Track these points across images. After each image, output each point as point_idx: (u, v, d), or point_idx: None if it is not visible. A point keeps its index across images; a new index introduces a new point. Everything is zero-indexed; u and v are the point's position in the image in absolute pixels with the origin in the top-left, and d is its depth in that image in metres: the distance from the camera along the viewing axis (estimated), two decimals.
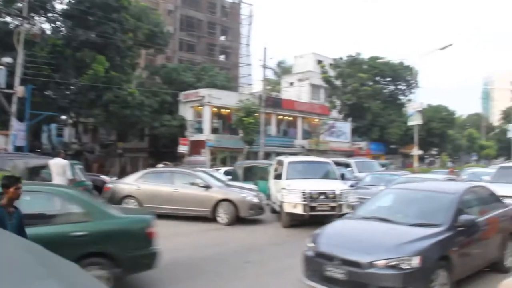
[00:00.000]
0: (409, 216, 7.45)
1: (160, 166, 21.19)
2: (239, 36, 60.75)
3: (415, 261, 5.89)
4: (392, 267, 5.90)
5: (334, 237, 7.05)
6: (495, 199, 8.90)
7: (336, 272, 6.19)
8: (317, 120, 46.58)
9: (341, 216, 13.93)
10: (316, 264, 6.60)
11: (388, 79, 53.07)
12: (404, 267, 5.85)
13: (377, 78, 51.66)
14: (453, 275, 6.50)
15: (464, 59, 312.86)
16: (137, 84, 38.34)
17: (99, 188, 16.05)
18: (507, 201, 11.83)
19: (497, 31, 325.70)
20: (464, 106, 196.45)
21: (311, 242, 6.95)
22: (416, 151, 38.19)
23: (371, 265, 5.94)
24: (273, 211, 15.74)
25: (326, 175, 15.60)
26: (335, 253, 6.32)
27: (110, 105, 31.08)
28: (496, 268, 8.02)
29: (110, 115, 31.88)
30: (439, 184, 9.58)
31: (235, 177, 21.44)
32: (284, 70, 66.39)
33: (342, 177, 17.24)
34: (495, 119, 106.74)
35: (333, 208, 13.11)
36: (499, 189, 12.65)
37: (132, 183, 15.13)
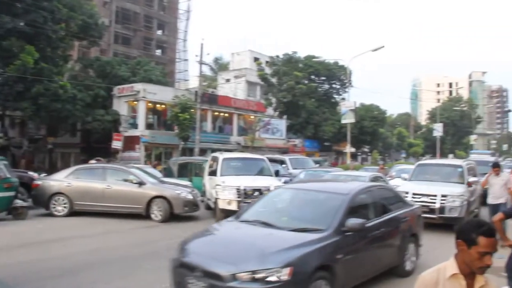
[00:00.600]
0: (294, 219, 6.76)
1: (92, 162, 20.70)
2: (176, 31, 60.07)
3: (285, 273, 5.13)
4: (258, 280, 5.11)
5: (203, 244, 6.31)
6: (397, 199, 8.56)
7: (198, 286, 5.40)
8: (253, 117, 46.90)
9: None
10: (179, 275, 5.78)
11: (323, 78, 54.27)
12: (271, 280, 5.09)
13: (312, 76, 52.70)
14: (337, 286, 5.84)
15: (395, 61, 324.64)
16: (69, 76, 37.08)
17: (26, 185, 15.43)
18: (424, 199, 12.46)
19: (425, 35, 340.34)
20: (394, 106, 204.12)
21: (178, 250, 6.16)
22: (349, 148, 39.33)
23: (233, 277, 5.17)
24: (208, 207, 15.79)
25: (261, 172, 15.83)
26: (198, 263, 5.53)
27: (40, 98, 29.76)
28: (396, 272, 7.71)
29: (40, 109, 30.53)
30: (334, 184, 8.90)
31: (169, 174, 21.28)
32: (220, 66, 66.43)
33: (277, 174, 17.53)
34: (423, 118, 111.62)
35: None
36: (416, 186, 13.25)
37: (62, 180, 14.69)
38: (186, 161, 22.70)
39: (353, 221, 6.20)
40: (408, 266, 7.93)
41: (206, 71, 55.74)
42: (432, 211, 12.31)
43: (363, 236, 6.56)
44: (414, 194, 12.70)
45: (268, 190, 13.05)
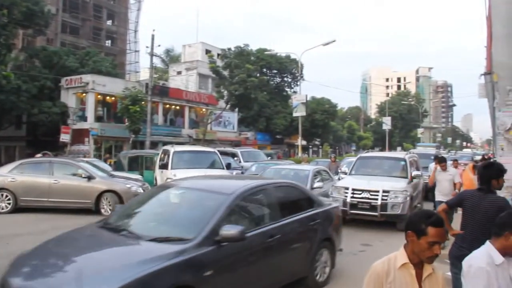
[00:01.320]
0: (162, 225, 5.64)
1: (38, 156, 20.10)
2: (127, 21, 58.74)
3: None
4: None
5: (34, 259, 4.79)
6: (304, 199, 7.23)
7: None
8: (204, 109, 46.71)
9: None
10: None
11: (275, 71, 54.56)
12: None
13: (264, 70, 52.90)
14: None
15: (346, 55, 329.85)
16: (13, 67, 35.79)
17: None
18: (364, 195, 11.93)
19: (375, 30, 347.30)
20: (345, 99, 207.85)
21: (10, 264, 4.80)
22: (300, 141, 39.83)
23: None
24: None
25: (212, 165, 15.88)
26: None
27: None
28: (306, 284, 6.68)
29: None
30: (223, 181, 7.54)
31: (119, 167, 20.95)
32: (172, 58, 65.52)
33: (228, 166, 17.58)
34: (372, 112, 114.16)
35: None
36: (356, 181, 12.68)
37: (6, 175, 14.20)
38: (137, 155, 22.37)
39: (228, 229, 4.94)
40: (320, 276, 6.89)
41: (157, 63, 54.94)
42: (373, 208, 11.78)
43: (246, 247, 5.28)
44: (354, 189, 12.14)
45: None
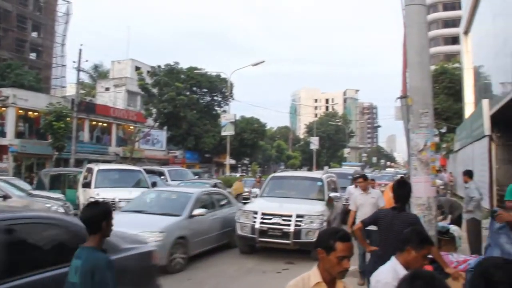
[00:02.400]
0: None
1: None
2: (53, 34, 56.83)
3: None
4: None
5: None
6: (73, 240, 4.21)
7: None
8: (132, 127, 45.93)
9: None
10: None
11: (205, 90, 54.52)
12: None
13: (194, 88, 52.75)
14: None
15: (276, 75, 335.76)
16: None
17: None
18: (275, 220, 10.47)
19: (305, 52, 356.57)
20: (274, 119, 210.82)
21: None
22: (228, 160, 39.90)
23: None
24: None
25: (138, 184, 15.60)
26: None
27: None
28: None
29: None
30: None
31: (40, 186, 20.10)
32: (100, 74, 64.13)
33: (154, 185, 17.30)
34: (301, 132, 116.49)
35: None
36: (267, 205, 11.40)
37: None
38: (59, 173, 21.43)
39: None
40: None
41: (85, 78, 53.66)
42: (285, 235, 10.38)
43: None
44: (264, 214, 10.72)
45: None
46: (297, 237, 10.29)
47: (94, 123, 42.74)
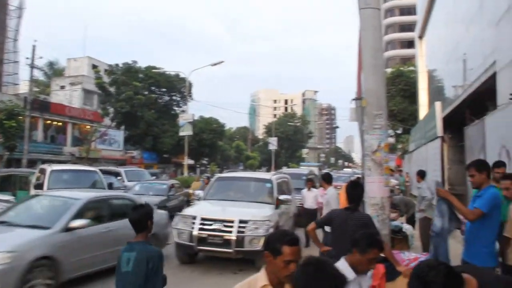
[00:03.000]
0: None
1: None
2: (5, 28, 54.99)
3: None
4: None
5: None
6: None
7: None
8: (88, 127, 44.99)
9: None
10: None
11: (164, 89, 53.98)
12: None
13: (153, 88, 52.17)
14: None
15: (235, 76, 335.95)
16: None
17: None
18: (216, 226, 9.44)
19: (265, 52, 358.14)
20: (234, 120, 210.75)
21: None
22: (186, 161, 39.67)
23: None
24: None
25: (93, 185, 15.15)
26: None
27: None
28: None
29: None
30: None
31: None
32: (56, 72, 62.46)
33: (110, 186, 16.98)
34: (260, 132, 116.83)
35: None
36: (207, 209, 10.51)
37: None
38: (9, 174, 20.43)
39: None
40: None
41: (39, 76, 52.20)
42: (226, 243, 9.32)
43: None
44: (203, 219, 9.63)
45: None
46: (239, 245, 9.26)
47: (48, 122, 41.63)
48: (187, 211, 10.42)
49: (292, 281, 2.17)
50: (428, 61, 30.15)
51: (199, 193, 12.50)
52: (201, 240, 9.43)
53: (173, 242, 10.01)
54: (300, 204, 13.56)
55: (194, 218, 9.65)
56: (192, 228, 9.53)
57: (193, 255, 10.14)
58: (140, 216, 4.15)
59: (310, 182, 13.31)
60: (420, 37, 32.13)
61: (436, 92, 26.25)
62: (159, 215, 10.41)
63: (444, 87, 23.97)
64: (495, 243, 5.00)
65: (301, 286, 2.19)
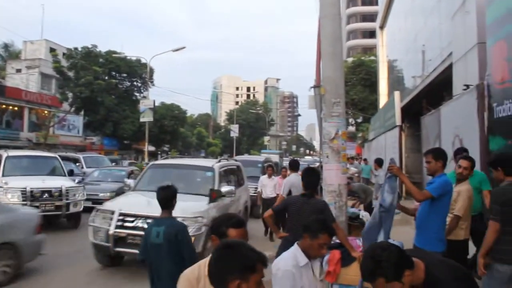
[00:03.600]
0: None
1: None
2: None
3: None
4: None
5: None
6: None
7: None
8: (46, 112, 43.90)
9: (67, 216, 13.13)
10: None
11: (124, 75, 53.04)
12: None
13: (113, 73, 51.19)
14: None
15: (197, 62, 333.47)
16: None
17: None
18: (140, 223, 7.73)
19: (227, 39, 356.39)
20: (196, 106, 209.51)
21: None
22: (147, 147, 39.27)
23: None
24: None
25: (53, 172, 14.52)
26: None
27: None
28: None
29: None
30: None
31: None
32: (11, 54, 60.51)
33: (71, 173, 16.45)
34: (222, 119, 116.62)
35: (58, 207, 12.57)
36: (130, 201, 8.91)
37: None
38: None
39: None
40: None
41: None
42: None
43: None
44: (122, 215, 8.04)
45: (59, 191, 12.56)
46: None
47: (3, 106, 40.34)
48: (106, 204, 8.83)
49: (209, 263, 2.13)
50: (388, 51, 30.62)
51: (130, 182, 10.42)
52: (119, 240, 7.95)
53: (90, 242, 8.41)
54: (255, 193, 13.58)
55: (113, 212, 8.12)
56: (109, 225, 8.00)
57: (118, 257, 8.74)
58: (167, 195, 4.81)
59: (270, 169, 13.21)
60: (381, 27, 32.57)
61: (396, 81, 26.73)
62: (23, 216, 8.54)
63: (403, 77, 24.42)
64: (444, 229, 5.16)
65: (213, 268, 2.09)
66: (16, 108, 41.63)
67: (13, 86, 42.80)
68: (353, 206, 10.34)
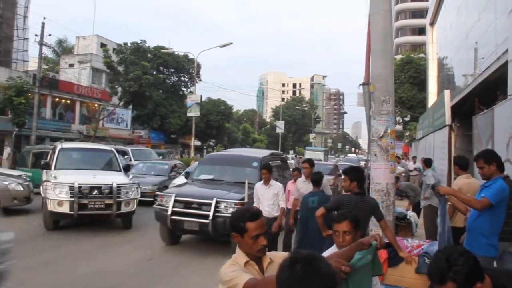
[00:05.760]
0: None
1: None
2: (14, 5, 54.87)
3: None
4: None
5: None
6: None
7: None
8: (97, 105, 45.09)
9: (119, 216, 12.00)
10: None
11: (172, 70, 53.95)
12: None
13: (161, 68, 52.13)
14: None
15: (244, 58, 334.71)
16: None
17: None
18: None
19: (274, 35, 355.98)
20: (242, 102, 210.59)
21: None
22: (193, 142, 39.76)
23: None
24: None
25: (108, 166, 13.62)
26: None
27: None
28: None
29: None
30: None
31: (23, 164, 19.32)
32: (65, 50, 62.36)
33: (128, 168, 15.56)
34: (267, 115, 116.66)
35: (108, 206, 11.46)
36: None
37: None
38: (42, 150, 19.55)
39: None
40: None
41: (48, 53, 52.15)
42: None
43: None
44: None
45: (110, 188, 11.46)
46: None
47: (57, 99, 41.72)
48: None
49: (277, 281, 1.87)
50: (438, 48, 29.88)
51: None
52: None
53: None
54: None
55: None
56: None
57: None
58: (318, 177, 7.62)
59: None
60: (431, 24, 31.80)
61: (446, 80, 26.06)
62: None
63: (454, 75, 23.78)
64: (497, 234, 4.99)
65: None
66: (68, 101, 42.96)
67: (66, 80, 44.15)
68: (408, 209, 10.20)
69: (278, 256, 2.85)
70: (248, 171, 11.02)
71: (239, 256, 2.81)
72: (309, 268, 1.80)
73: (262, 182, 8.57)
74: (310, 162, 8.92)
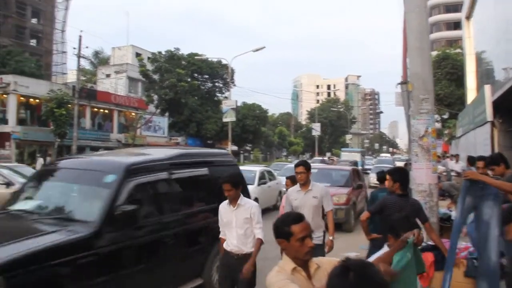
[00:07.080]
0: None
1: None
2: (53, 20, 56.46)
3: None
4: None
5: None
6: None
7: None
8: (134, 114, 45.88)
9: None
10: None
11: (206, 76, 54.38)
12: None
13: (195, 74, 52.62)
14: None
15: (277, 61, 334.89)
16: None
17: None
18: None
19: (307, 37, 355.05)
20: (276, 105, 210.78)
21: None
22: (230, 147, 39.91)
23: None
24: None
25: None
26: None
27: None
28: None
29: None
30: None
31: None
32: (101, 60, 63.79)
33: None
34: (303, 118, 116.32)
35: None
36: None
37: None
38: None
39: None
40: None
41: (86, 65, 53.45)
42: None
43: None
44: None
45: None
46: None
47: (95, 109, 42.69)
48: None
49: None
50: (476, 42, 29.16)
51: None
52: None
53: None
54: None
55: None
56: None
57: None
58: (382, 176, 7.49)
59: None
60: (468, 17, 31.08)
61: (485, 75, 25.41)
62: None
63: (493, 69, 23.16)
64: None
65: None
66: (106, 111, 43.89)
67: (104, 91, 45.17)
68: (449, 209, 9.95)
69: (324, 262, 2.83)
70: (93, 193, 5.82)
71: (286, 262, 2.79)
72: (362, 276, 1.77)
73: (227, 202, 5.35)
74: (306, 165, 6.21)
